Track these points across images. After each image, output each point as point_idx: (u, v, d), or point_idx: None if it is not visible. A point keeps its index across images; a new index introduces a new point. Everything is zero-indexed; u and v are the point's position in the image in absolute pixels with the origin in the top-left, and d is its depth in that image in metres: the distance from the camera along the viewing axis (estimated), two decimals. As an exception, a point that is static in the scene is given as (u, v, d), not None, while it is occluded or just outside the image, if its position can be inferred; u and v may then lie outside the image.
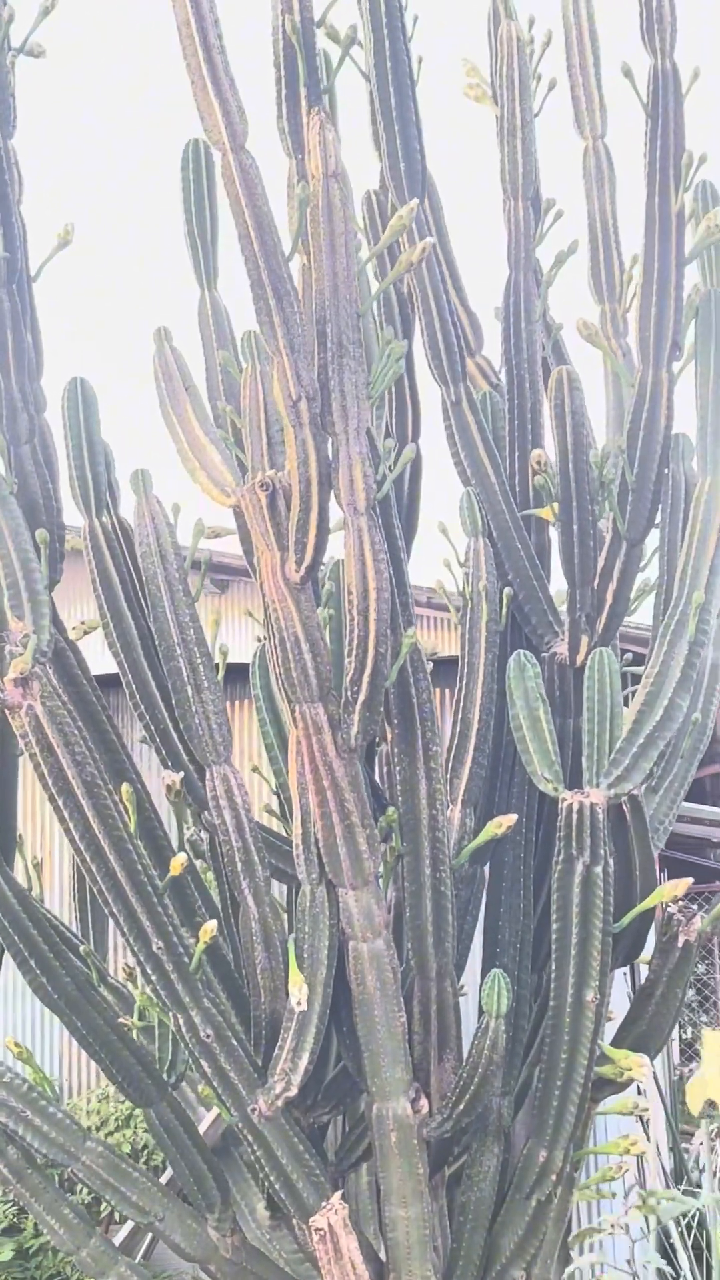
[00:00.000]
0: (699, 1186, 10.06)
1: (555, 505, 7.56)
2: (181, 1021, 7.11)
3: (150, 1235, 8.38)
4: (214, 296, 8.03)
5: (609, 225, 8.23)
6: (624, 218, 8.27)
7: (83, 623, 7.85)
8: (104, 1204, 7.99)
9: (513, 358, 7.98)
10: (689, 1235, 9.81)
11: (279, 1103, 7.12)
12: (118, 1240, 8.25)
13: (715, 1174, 10.39)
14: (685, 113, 7.44)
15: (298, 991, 6.97)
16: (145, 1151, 8.63)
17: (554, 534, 7.88)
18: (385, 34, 7.64)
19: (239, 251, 6.46)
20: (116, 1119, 8.62)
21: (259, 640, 8.40)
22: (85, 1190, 7.93)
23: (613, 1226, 4.50)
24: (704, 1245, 8.02)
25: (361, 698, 6.85)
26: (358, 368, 6.66)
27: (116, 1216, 8.34)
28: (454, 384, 7.87)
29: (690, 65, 7.51)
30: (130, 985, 7.69)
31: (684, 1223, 9.88)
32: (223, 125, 6.30)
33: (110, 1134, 8.81)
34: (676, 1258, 7.43)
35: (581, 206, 8.31)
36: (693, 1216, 9.87)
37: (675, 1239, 7.56)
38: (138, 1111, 8.59)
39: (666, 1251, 5.57)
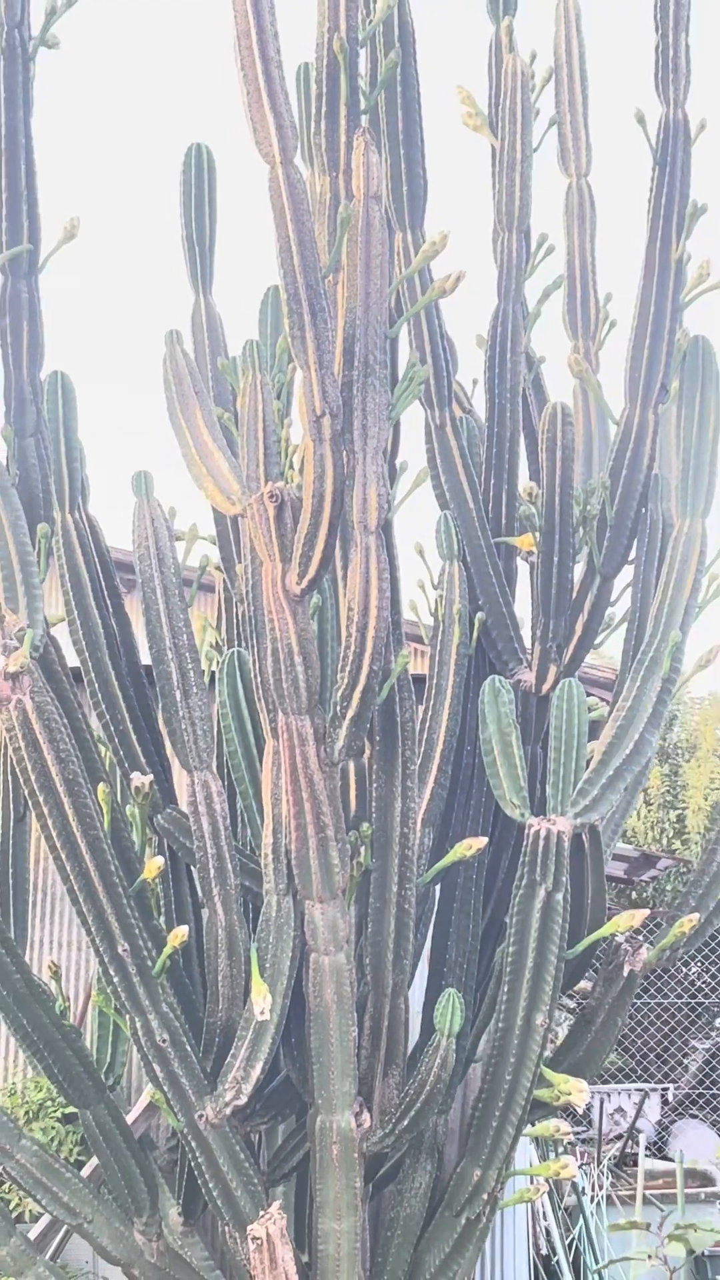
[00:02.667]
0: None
1: (537, 535, 7.85)
2: (139, 1024, 7.22)
3: (61, 1234, 8.48)
4: (209, 301, 8.16)
5: (587, 263, 8.53)
6: (603, 256, 8.63)
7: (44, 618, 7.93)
8: (13, 1201, 8.08)
9: (495, 386, 8.20)
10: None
11: (226, 1110, 7.27)
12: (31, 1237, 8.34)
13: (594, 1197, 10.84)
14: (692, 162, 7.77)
15: (261, 1000, 7.11)
16: (54, 1145, 8.71)
17: (522, 563, 8.18)
18: (398, 68, 7.89)
19: (277, 265, 6.58)
20: (26, 1112, 8.70)
21: (214, 647, 8.58)
22: (5, 1188, 8.04)
23: (650, 1257, 4.76)
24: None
25: (350, 713, 7.04)
26: (381, 388, 6.86)
27: (27, 1216, 8.44)
28: (440, 408, 8.11)
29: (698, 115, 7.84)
30: (54, 984, 7.80)
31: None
32: (275, 139, 6.43)
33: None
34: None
35: (561, 242, 8.63)
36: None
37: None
38: (44, 1107, 8.69)
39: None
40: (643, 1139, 8.50)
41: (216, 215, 8.17)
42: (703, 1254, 7.51)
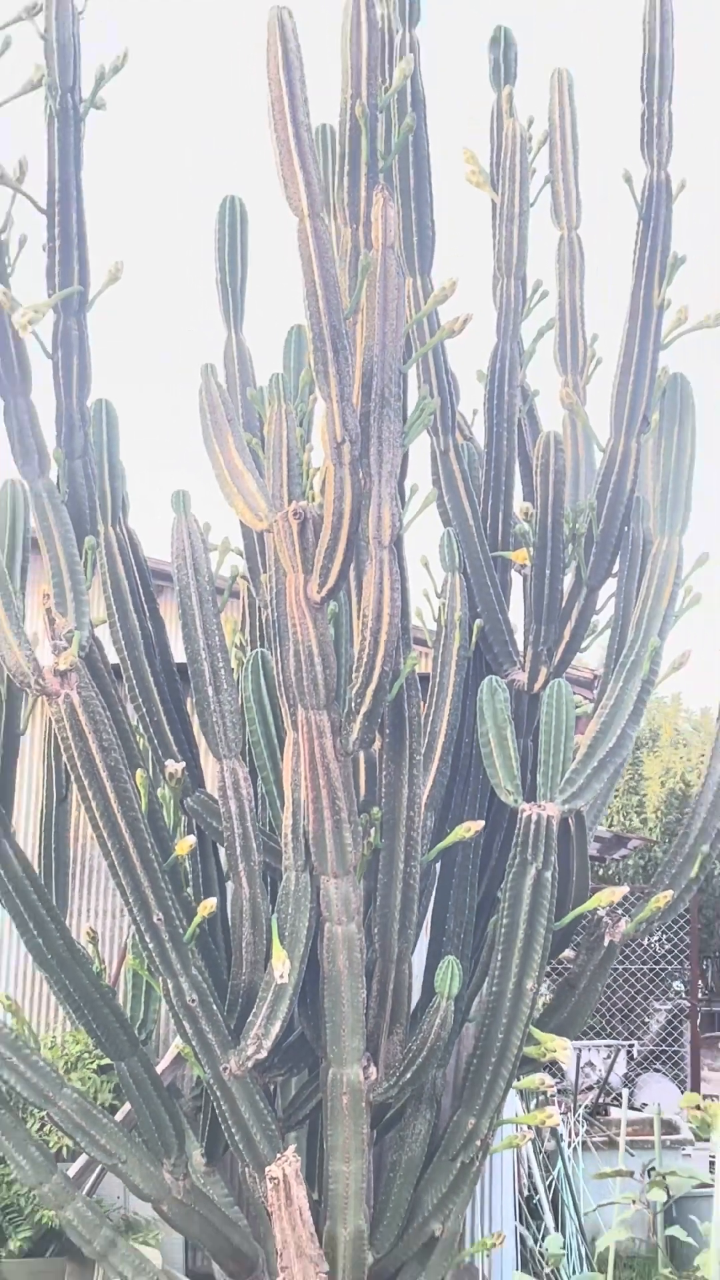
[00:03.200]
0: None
1: (530, 550, 7.89)
2: (170, 986, 7.24)
3: (96, 1173, 8.50)
4: (240, 338, 8.18)
5: (577, 307, 8.56)
6: (591, 300, 8.66)
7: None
8: (54, 1142, 8.10)
9: (494, 416, 8.23)
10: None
11: (248, 1063, 7.29)
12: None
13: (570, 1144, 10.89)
14: (674, 218, 7.81)
15: (280, 965, 7.14)
16: (91, 1094, 8.74)
17: (516, 575, 8.22)
18: (411, 132, 7.92)
19: (303, 307, 6.60)
20: (65, 1064, 8.73)
21: (239, 648, 8.59)
22: (46, 1130, 8.06)
23: (634, 1202, 4.80)
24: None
25: (364, 709, 7.07)
26: (395, 418, 6.89)
27: (66, 1155, 8.47)
28: (445, 435, 8.14)
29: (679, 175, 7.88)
30: (93, 948, 7.83)
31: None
32: (304, 194, 6.45)
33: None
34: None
35: (553, 287, 8.66)
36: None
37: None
38: (81, 1058, 8.72)
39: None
40: (626, 1094, 8.54)
41: (247, 260, 8.19)
42: (677, 1197, 7.57)
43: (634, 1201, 4.57)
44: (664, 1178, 4.49)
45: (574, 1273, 9.50)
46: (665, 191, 7.79)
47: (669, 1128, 11.39)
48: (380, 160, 6.99)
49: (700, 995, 17.84)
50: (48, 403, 7.45)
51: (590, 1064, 13.99)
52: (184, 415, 7.66)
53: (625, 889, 7.80)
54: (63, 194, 7.38)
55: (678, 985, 17.44)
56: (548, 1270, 9.16)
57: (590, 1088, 13.04)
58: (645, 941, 18.49)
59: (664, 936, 18.00)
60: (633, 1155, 10.79)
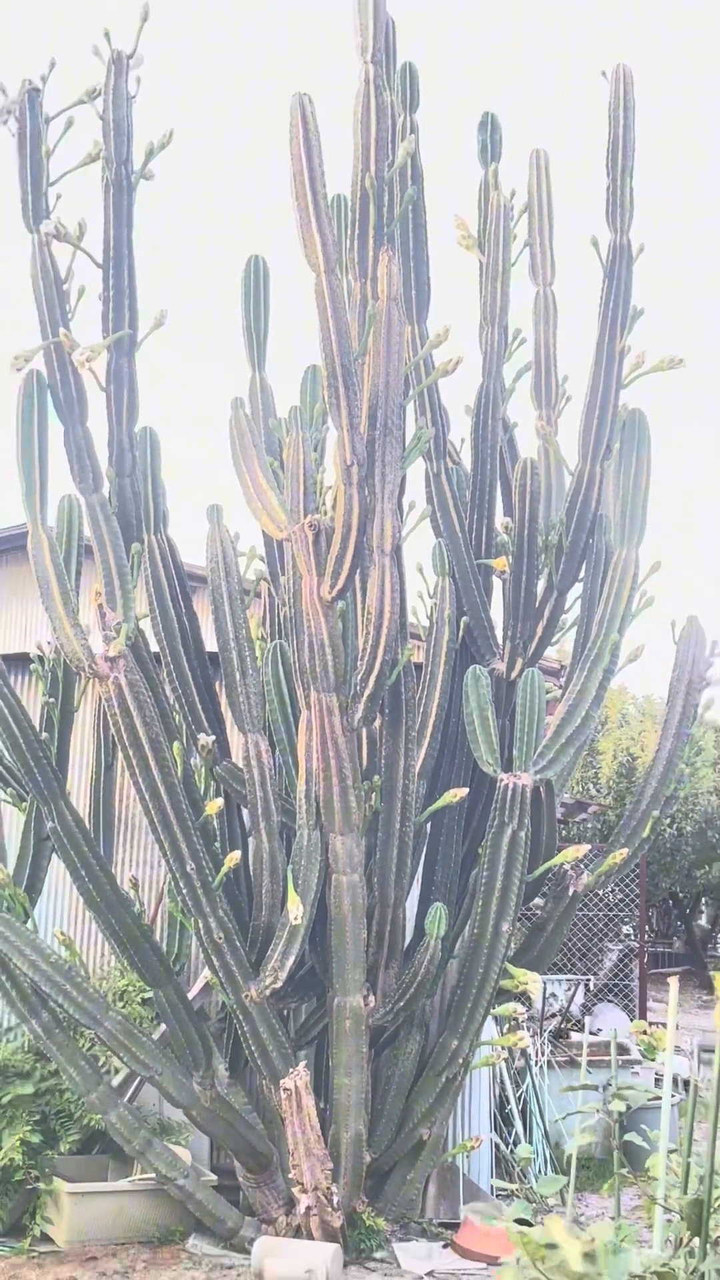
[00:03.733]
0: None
1: (509, 559, 7.86)
2: (201, 925, 7.23)
3: (136, 1084, 8.47)
4: (263, 376, 8.15)
5: (550, 352, 8.52)
6: (563, 346, 8.63)
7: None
8: (101, 1059, 8.06)
9: (479, 444, 8.21)
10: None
11: (266, 992, 7.28)
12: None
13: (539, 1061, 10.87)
14: (634, 277, 7.78)
15: (295, 909, 7.14)
16: (136, 1022, 8.68)
17: (497, 580, 8.19)
18: (411, 198, 7.90)
19: (319, 349, 6.58)
20: (112, 994, 8.69)
21: (260, 638, 8.57)
22: (94, 1047, 8.03)
23: (598, 1111, 4.76)
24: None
25: (368, 691, 7.05)
26: (396, 445, 6.87)
27: (111, 1069, 8.43)
28: (437, 460, 8.12)
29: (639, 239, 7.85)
30: (134, 893, 7.81)
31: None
32: (320, 253, 6.44)
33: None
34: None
35: (531, 335, 8.63)
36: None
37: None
38: (126, 991, 8.68)
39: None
40: (588, 1022, 8.51)
41: (269, 309, 8.16)
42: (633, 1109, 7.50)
43: (597, 1111, 4.54)
44: (622, 1092, 4.47)
45: (540, 1174, 9.51)
46: (627, 254, 7.75)
47: (621, 1050, 11.37)
48: (386, 225, 6.96)
49: (646, 938, 17.80)
50: (101, 429, 7.42)
51: (554, 995, 13.92)
52: (216, 441, 7.65)
53: (587, 847, 7.80)
54: (116, 251, 7.35)
55: (627, 929, 17.39)
56: (518, 1170, 9.15)
57: (554, 1015, 12.99)
58: (600, 891, 18.43)
59: (616, 887, 17.95)
60: (591, 1073, 10.78)
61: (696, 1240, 3.58)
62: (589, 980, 15.63)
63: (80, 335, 7.16)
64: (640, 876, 15.52)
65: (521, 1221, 4.75)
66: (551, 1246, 3.40)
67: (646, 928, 18.18)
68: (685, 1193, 4.11)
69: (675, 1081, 11.27)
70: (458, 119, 8.83)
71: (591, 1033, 12.85)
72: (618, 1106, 4.58)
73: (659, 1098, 4.74)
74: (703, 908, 26.80)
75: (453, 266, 8.51)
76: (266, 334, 8.11)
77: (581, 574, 7.97)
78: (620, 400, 7.81)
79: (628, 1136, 4.62)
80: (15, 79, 7.29)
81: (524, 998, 7.78)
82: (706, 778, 23.77)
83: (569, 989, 13.95)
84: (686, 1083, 11.26)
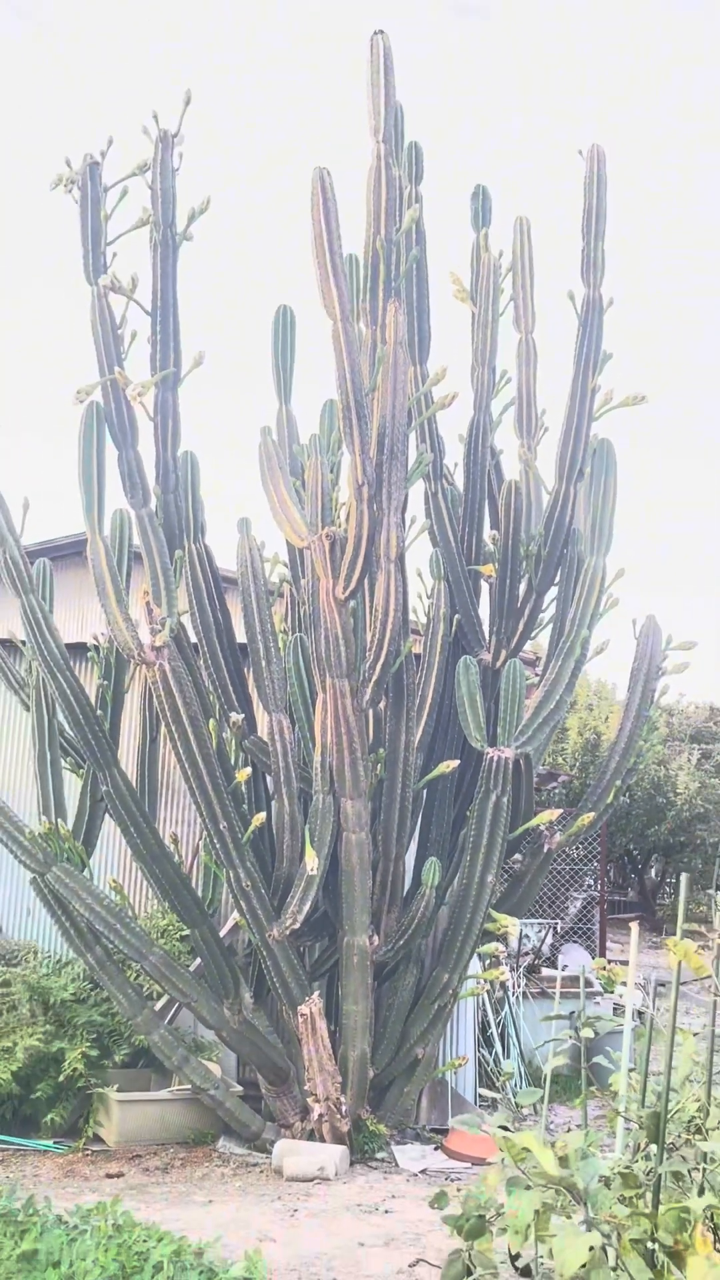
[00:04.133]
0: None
1: (495, 565, 7.85)
2: (231, 875, 7.23)
3: (175, 1009, 8.51)
4: (288, 408, 8.14)
5: (531, 390, 8.46)
6: (542, 384, 8.60)
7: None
8: (145, 986, 8.09)
9: (470, 468, 8.19)
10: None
11: (286, 932, 7.29)
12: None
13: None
14: (605, 325, 7.76)
15: (311, 861, 7.15)
16: (175, 956, 8.70)
17: (484, 583, 8.18)
18: (415, 258, 7.89)
19: (335, 386, 6.57)
20: (154, 931, 8.71)
21: (282, 631, 8.56)
22: (140, 977, 8.05)
23: (570, 1038, 4.77)
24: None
25: (374, 677, 7.05)
26: (400, 467, 6.85)
27: (154, 995, 8.46)
28: (435, 480, 8.11)
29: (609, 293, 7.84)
30: (174, 847, 7.82)
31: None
32: (337, 305, 6.42)
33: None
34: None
35: (515, 375, 8.60)
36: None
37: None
38: (167, 930, 8.70)
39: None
40: (558, 960, 8.54)
41: (294, 351, 8.15)
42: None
43: (569, 1038, 4.56)
44: (591, 1021, 4.49)
45: (518, 1088, 9.54)
46: (599, 307, 7.74)
47: (585, 983, 11.39)
48: (393, 281, 6.94)
49: (605, 889, 17.83)
50: (149, 453, 7.42)
51: (527, 936, 13.95)
52: (246, 463, 7.64)
53: (559, 811, 7.80)
54: (162, 302, 7.35)
55: (589, 881, 17.40)
56: (500, 1084, 9.15)
57: (527, 953, 13.02)
58: (568, 848, 18.43)
59: (579, 845, 17.96)
60: (560, 1004, 10.82)
61: (654, 1146, 3.59)
62: (557, 924, 15.62)
63: (132, 373, 7.16)
64: (601, 835, 15.53)
65: (503, 1128, 4.77)
66: (527, 1151, 3.42)
67: (605, 880, 18.17)
68: (643, 1106, 4.12)
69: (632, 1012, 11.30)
70: (455, 189, 8.81)
71: (559, 969, 12.89)
72: (587, 1034, 4.58)
73: (622, 1026, 4.75)
74: (653, 863, 26.79)
75: (449, 315, 8.50)
76: (292, 372, 8.10)
77: (557, 579, 7.96)
78: (591, 430, 7.80)
79: (597, 1059, 4.63)
80: (78, 153, 7.29)
81: (503, 938, 7.80)
82: (655, 750, 23.74)
83: (540, 931, 13.96)
84: (640, 1013, 11.34)
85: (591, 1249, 2.76)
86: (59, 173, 7.19)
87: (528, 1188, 3.47)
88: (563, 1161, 3.50)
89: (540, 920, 14.66)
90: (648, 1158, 3.68)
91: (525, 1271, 3.27)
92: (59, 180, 7.20)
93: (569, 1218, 3.10)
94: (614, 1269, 2.95)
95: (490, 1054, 9.85)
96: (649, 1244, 2.97)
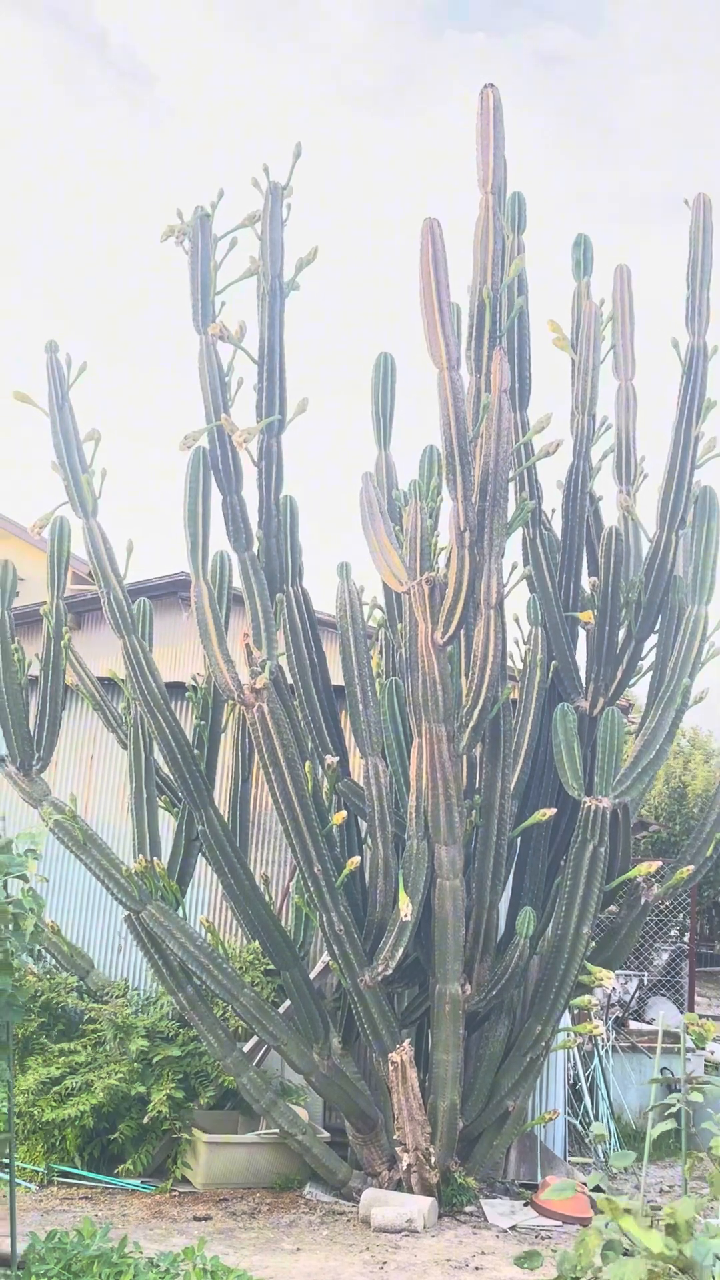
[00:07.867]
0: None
1: (594, 612, 7.79)
2: (324, 919, 7.22)
3: (263, 1051, 8.48)
4: (388, 454, 8.18)
5: (631, 437, 8.43)
6: (642, 431, 8.55)
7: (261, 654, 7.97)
8: (234, 1025, 8.07)
9: (569, 514, 8.14)
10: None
11: (378, 978, 7.23)
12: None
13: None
14: (709, 373, 7.71)
15: (405, 907, 7.07)
16: (261, 990, 8.68)
17: (582, 630, 8.10)
18: (520, 307, 7.92)
19: (439, 433, 6.60)
20: (241, 966, 8.69)
21: (379, 675, 8.55)
22: (229, 1018, 8.04)
23: (679, 1101, 4.67)
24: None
25: (472, 723, 7.01)
26: (502, 514, 6.84)
27: (241, 1034, 8.44)
28: (535, 527, 8.07)
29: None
30: (265, 888, 7.81)
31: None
32: (444, 353, 6.46)
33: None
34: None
35: (615, 422, 8.56)
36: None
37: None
38: (254, 963, 8.68)
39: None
40: (661, 1018, 8.33)
41: (395, 398, 8.20)
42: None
43: (676, 1103, 4.44)
44: (700, 1086, 4.37)
45: (611, 1147, 9.33)
46: (703, 354, 7.69)
47: (674, 1037, 11.12)
48: (499, 329, 6.96)
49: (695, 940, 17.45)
50: (252, 497, 7.50)
51: (614, 989, 13.70)
52: (346, 508, 7.68)
53: (659, 863, 7.65)
54: (269, 350, 7.45)
55: (674, 932, 17.06)
56: (590, 1142, 8.98)
57: (614, 1006, 12.77)
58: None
59: (669, 896, 17.63)
60: (649, 1057, 10.60)
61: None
62: (644, 976, 15.33)
63: (237, 419, 7.26)
64: (691, 887, 15.24)
65: (595, 1189, 4.69)
66: (628, 1213, 3.32)
67: (695, 932, 17.79)
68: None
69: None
70: (556, 239, 8.83)
71: (647, 1022, 12.60)
72: (697, 1098, 4.48)
73: (727, 1088, 4.63)
74: (742, 916, 26.19)
75: (544, 361, 8.51)
76: (392, 418, 8.15)
77: (657, 626, 7.87)
78: (695, 478, 7.73)
79: (707, 1124, 4.51)
80: (189, 205, 7.45)
81: (594, 990, 7.65)
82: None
83: (627, 984, 13.71)
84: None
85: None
86: (170, 224, 7.34)
87: (626, 1252, 3.37)
88: (670, 1229, 3.40)
89: (627, 972, 14.39)
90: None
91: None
92: (170, 231, 7.34)
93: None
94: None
95: (579, 1107, 9.67)
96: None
